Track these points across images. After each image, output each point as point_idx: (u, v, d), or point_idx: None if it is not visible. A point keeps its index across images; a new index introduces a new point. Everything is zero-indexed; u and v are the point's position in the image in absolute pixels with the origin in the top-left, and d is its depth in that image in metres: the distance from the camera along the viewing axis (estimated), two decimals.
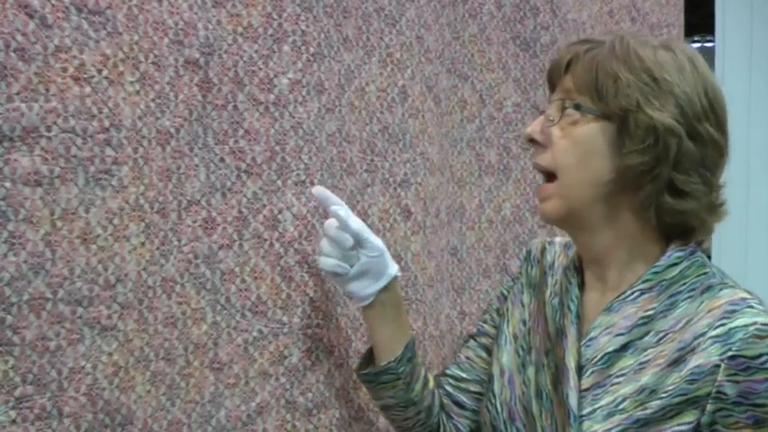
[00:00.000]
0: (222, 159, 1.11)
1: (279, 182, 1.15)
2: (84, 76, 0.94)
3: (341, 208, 1.13)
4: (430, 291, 1.43)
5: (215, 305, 1.10)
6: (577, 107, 1.03)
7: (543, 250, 1.23)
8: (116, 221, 0.99)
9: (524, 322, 1.18)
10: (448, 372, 1.26)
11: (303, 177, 1.18)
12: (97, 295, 0.96)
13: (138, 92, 1.00)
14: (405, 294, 1.37)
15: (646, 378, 1.00)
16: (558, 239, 1.24)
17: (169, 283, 1.05)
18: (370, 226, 1.29)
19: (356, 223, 1.14)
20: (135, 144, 1.00)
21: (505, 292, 1.24)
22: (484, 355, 1.23)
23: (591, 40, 1.09)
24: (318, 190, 1.15)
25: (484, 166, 1.57)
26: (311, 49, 1.19)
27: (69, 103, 0.93)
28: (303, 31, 1.17)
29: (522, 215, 1.62)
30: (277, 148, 1.15)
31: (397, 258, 1.36)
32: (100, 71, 0.96)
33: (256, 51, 1.14)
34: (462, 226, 1.58)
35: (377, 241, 1.15)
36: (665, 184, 1.04)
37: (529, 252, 1.25)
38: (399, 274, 1.19)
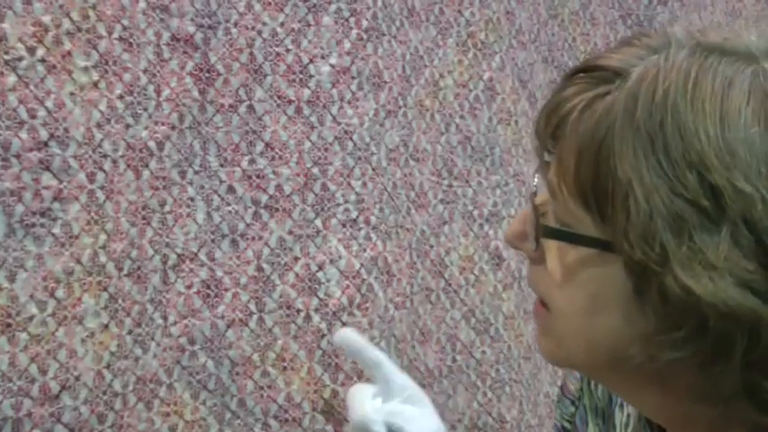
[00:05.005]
0: (231, 189, 0.93)
1: (318, 222, 0.96)
2: (6, 57, 0.77)
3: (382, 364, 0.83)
4: (527, 365, 1.20)
5: (222, 413, 0.92)
6: (557, 234, 0.60)
7: None
8: (60, 293, 0.79)
9: None
10: None
11: (354, 214, 0.96)
12: (28, 414, 0.77)
13: (95, 84, 0.81)
14: (496, 374, 1.14)
15: None
16: None
17: (149, 386, 0.85)
18: (448, 280, 1.06)
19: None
20: (91, 167, 0.81)
21: (568, 425, 1.00)
22: None
23: (605, 65, 0.61)
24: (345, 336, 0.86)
25: None
26: (363, 23, 0.98)
27: None
28: None
29: None
30: (315, 170, 0.95)
31: (486, 324, 1.12)
32: (32, 50, 0.78)
33: (282, 24, 0.95)
34: None
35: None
36: (737, 386, 0.63)
37: None
38: None
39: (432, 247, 1.09)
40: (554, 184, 0.63)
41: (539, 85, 1.26)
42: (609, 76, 0.61)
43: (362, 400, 0.87)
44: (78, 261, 0.79)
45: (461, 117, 1.13)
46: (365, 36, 0.99)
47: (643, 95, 0.58)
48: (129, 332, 0.83)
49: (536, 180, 0.69)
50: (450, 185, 1.11)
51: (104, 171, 0.81)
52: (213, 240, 0.91)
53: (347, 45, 0.98)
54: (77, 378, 0.78)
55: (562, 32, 1.33)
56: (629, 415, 0.86)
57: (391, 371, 0.88)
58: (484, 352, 1.12)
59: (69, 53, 0.79)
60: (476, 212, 1.13)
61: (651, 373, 0.65)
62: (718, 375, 0.63)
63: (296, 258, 0.96)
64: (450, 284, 1.05)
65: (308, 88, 0.96)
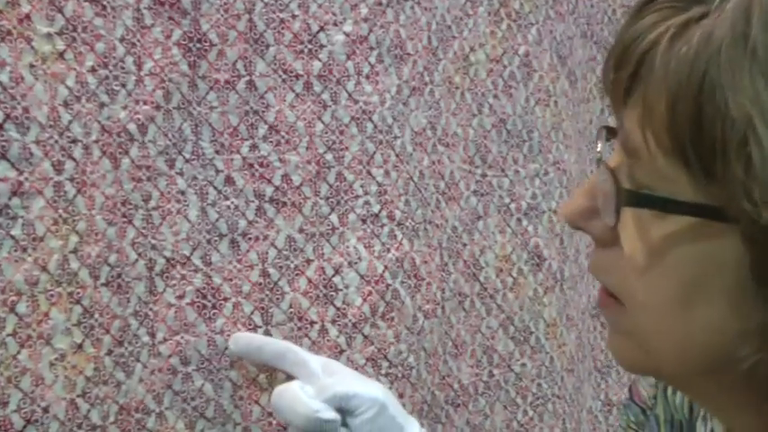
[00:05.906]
0: (229, 179, 0.84)
1: (333, 217, 0.87)
2: None
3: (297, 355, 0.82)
4: (570, 378, 1.09)
5: None
6: (649, 201, 0.53)
7: None
8: (22, 308, 0.68)
9: None
10: None
11: (376, 209, 0.86)
12: None
13: (61, 54, 0.71)
14: (537, 389, 1.05)
15: None
16: None
17: (134, 416, 0.75)
18: (483, 284, 0.97)
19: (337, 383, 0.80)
20: (58, 154, 0.70)
21: None
22: None
23: None
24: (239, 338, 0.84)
25: None
26: None
27: None
28: None
29: None
30: (328, 156, 0.86)
31: (526, 333, 1.02)
32: None
33: None
34: None
35: (371, 391, 0.80)
36: None
37: None
38: None
39: (465, 245, 0.98)
40: (635, 138, 0.51)
41: (578, 62, 1.15)
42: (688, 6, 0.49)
43: (295, 398, 0.81)
44: (44, 268, 0.66)
45: (495, 96, 1.01)
46: (384, 0, 0.87)
47: (758, 8, 0.47)
48: (109, 353, 0.70)
49: (599, 146, 0.58)
50: (483, 175, 1.01)
51: (74, 159, 0.68)
52: (209, 241, 0.80)
53: (364, 10, 0.86)
54: (46, 410, 0.66)
55: (601, 3, 1.21)
56: (712, 430, 0.75)
57: (301, 352, 0.82)
58: (524, 365, 1.02)
59: (28, 17, 0.66)
60: (513, 206, 1.02)
61: (762, 381, 0.52)
62: None
63: (308, 261, 0.85)
64: (485, 288, 0.93)
65: (319, 60, 0.84)
